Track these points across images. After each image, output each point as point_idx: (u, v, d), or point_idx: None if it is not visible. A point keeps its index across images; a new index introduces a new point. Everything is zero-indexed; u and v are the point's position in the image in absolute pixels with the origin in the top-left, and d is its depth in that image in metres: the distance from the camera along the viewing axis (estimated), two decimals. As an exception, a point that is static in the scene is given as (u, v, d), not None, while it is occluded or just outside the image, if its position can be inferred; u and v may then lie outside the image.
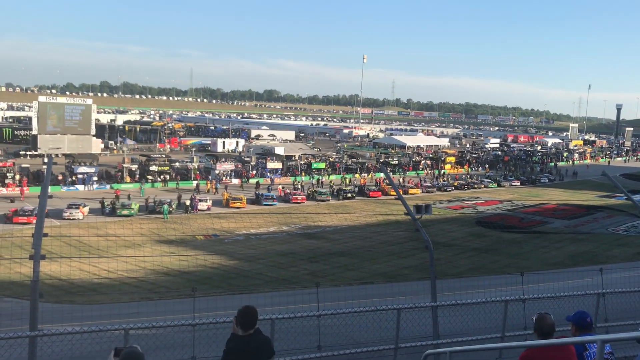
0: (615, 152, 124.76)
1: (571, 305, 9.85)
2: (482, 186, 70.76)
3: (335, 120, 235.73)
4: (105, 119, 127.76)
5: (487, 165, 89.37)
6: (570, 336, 5.60)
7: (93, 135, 74.46)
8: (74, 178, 57.33)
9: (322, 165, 73.62)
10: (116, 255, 33.48)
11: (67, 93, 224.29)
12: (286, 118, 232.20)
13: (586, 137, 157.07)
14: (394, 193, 48.72)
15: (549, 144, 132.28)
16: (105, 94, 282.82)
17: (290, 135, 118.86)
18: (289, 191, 57.32)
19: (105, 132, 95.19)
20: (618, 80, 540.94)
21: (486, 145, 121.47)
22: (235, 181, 63.27)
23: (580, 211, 56.29)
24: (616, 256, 38.47)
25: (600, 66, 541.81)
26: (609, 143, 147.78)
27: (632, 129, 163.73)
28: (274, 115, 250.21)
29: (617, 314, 11.26)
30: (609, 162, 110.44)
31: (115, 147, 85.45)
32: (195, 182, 60.20)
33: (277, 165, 70.02)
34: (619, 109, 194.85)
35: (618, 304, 11.31)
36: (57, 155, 66.22)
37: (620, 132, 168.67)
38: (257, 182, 62.28)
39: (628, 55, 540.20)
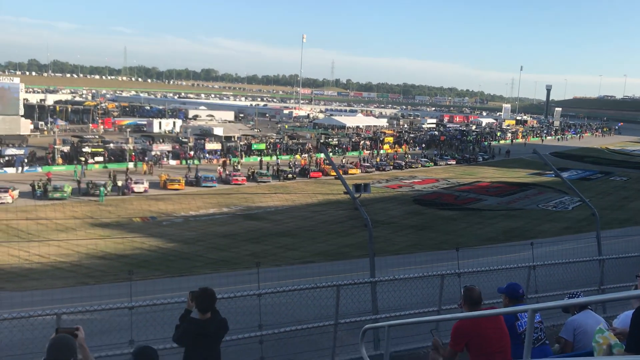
0: (545, 131, 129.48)
1: (504, 278, 10.17)
2: (419, 165, 72.13)
3: (275, 100, 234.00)
4: (34, 98, 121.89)
5: (424, 145, 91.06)
6: (502, 307, 5.82)
7: (21, 116, 71.19)
8: (1, 160, 54.84)
9: (263, 146, 73.10)
10: (48, 239, 32.30)
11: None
12: (225, 98, 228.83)
13: (518, 117, 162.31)
14: (334, 173, 48.90)
15: (483, 124, 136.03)
16: (34, 73, 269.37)
17: (230, 115, 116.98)
18: (228, 172, 56.72)
19: (34, 112, 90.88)
20: (548, 62, 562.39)
21: (423, 126, 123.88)
22: (173, 162, 62.05)
23: (513, 188, 58.40)
24: (546, 231, 40.19)
25: (531, 48, 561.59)
26: (539, 123, 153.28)
27: (560, 109, 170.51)
28: (212, 95, 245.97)
29: (547, 286, 11.75)
30: (542, 140, 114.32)
31: (45, 128, 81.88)
32: (138, 165, 58.39)
33: (216, 146, 69.07)
34: (548, 90, 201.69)
35: (547, 275, 11.81)
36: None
37: (550, 112, 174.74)
38: (224, 162, 62.03)
39: (557, 38, 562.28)
